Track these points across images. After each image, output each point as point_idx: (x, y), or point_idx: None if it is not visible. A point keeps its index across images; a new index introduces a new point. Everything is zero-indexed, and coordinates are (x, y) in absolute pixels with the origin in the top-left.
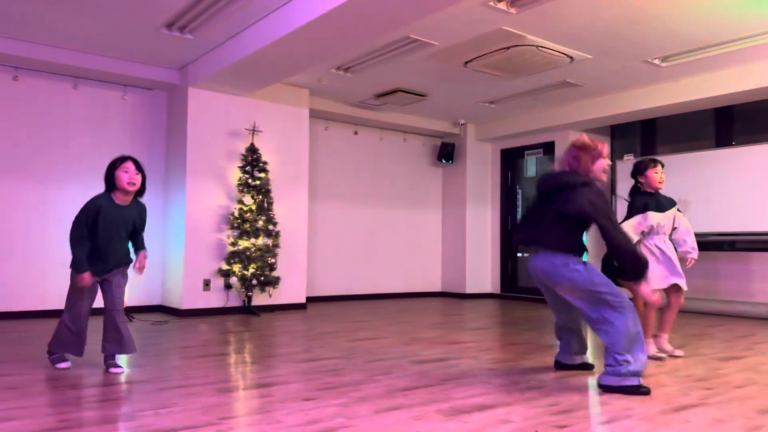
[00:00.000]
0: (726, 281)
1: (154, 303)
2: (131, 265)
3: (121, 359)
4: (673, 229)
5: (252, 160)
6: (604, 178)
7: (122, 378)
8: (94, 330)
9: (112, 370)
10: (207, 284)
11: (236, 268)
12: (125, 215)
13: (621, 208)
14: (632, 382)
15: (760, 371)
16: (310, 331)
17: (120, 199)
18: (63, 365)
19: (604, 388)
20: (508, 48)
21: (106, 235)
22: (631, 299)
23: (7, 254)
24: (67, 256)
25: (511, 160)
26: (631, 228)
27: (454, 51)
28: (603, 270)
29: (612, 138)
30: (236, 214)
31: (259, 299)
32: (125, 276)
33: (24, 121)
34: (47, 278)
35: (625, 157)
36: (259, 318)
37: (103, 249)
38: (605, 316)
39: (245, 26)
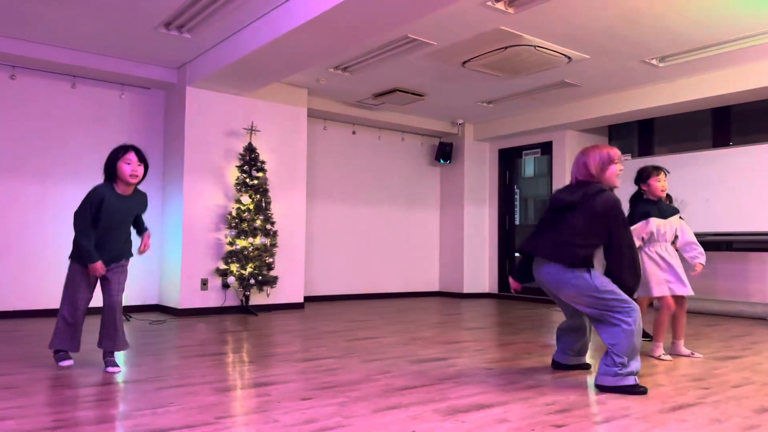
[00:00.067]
0: (723, 281)
1: (152, 302)
2: (138, 249)
3: (119, 358)
4: (676, 237)
5: (250, 160)
6: (618, 183)
7: (119, 377)
8: (92, 330)
9: (110, 369)
10: (205, 284)
11: (234, 267)
12: (127, 206)
13: None
14: (629, 381)
15: (757, 371)
16: (308, 331)
17: (122, 189)
18: (65, 363)
19: (602, 388)
20: (506, 48)
21: (108, 225)
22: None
23: (5, 253)
24: (65, 254)
25: (509, 160)
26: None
27: (452, 51)
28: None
29: (609, 138)
30: (234, 214)
31: (257, 299)
32: (125, 272)
33: (21, 120)
34: (45, 277)
35: (623, 158)
36: (257, 317)
37: (104, 240)
38: (611, 320)
39: (243, 25)
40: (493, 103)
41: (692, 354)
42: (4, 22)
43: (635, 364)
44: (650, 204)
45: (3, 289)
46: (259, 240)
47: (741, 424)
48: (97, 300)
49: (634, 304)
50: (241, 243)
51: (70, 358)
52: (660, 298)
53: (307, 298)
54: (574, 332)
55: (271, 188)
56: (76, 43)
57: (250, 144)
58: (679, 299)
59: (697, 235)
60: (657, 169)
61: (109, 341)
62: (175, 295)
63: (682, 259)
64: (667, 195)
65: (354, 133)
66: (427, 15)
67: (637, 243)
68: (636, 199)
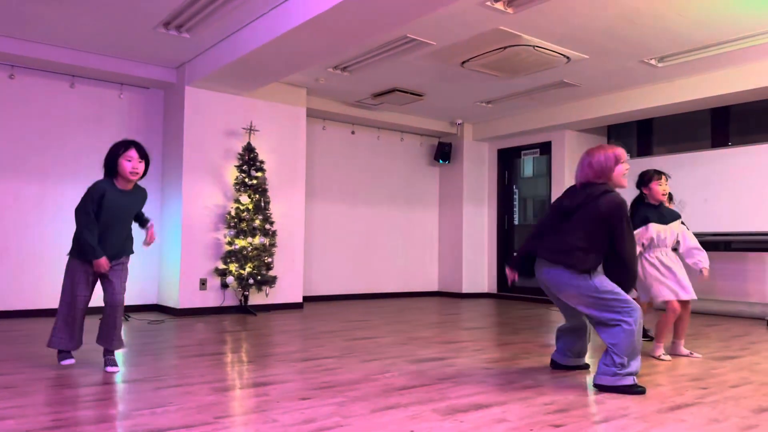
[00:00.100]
0: (722, 281)
1: (151, 302)
2: (143, 241)
3: (117, 358)
4: (678, 242)
5: (249, 159)
6: (626, 184)
7: (118, 377)
8: (92, 330)
9: (109, 368)
10: (203, 283)
11: (233, 267)
12: (128, 201)
13: None
14: (627, 381)
15: (755, 371)
16: (307, 331)
17: (122, 185)
18: (67, 362)
19: (600, 388)
20: (504, 48)
21: (109, 221)
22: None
23: (4, 253)
24: (64, 253)
25: (508, 159)
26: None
27: (451, 51)
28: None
29: (608, 138)
30: (233, 213)
31: (256, 299)
32: (126, 270)
33: (20, 119)
34: (44, 277)
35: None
36: (256, 317)
37: (105, 236)
38: (612, 321)
39: (242, 25)
40: (492, 103)
41: (691, 354)
42: (2, 22)
43: (635, 364)
44: (651, 208)
45: (2, 288)
46: (258, 240)
47: (739, 424)
48: (96, 300)
49: (635, 304)
50: (240, 243)
51: (71, 357)
52: (666, 302)
53: (306, 298)
54: (573, 334)
55: (270, 188)
56: (75, 42)
57: (249, 144)
58: (684, 302)
59: (696, 235)
60: (658, 173)
61: (106, 339)
62: (174, 295)
63: (685, 264)
64: (668, 194)
65: (353, 133)
66: (426, 15)
67: (638, 249)
68: (638, 203)
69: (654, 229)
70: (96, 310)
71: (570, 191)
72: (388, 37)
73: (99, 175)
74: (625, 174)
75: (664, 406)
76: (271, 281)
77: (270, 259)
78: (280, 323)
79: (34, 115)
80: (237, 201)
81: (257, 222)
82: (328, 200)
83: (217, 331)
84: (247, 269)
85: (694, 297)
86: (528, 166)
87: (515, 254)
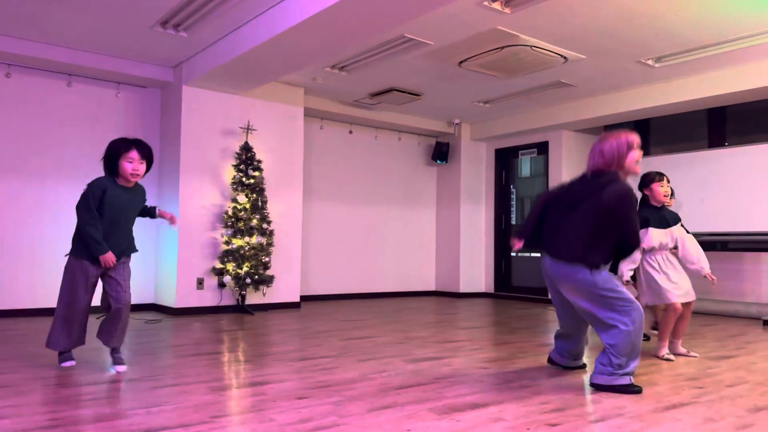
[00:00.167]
0: (718, 281)
1: (148, 301)
2: (168, 223)
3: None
4: (676, 246)
5: (246, 159)
6: (639, 170)
7: (114, 376)
8: (91, 330)
9: (117, 367)
10: (201, 283)
11: (230, 266)
12: (130, 197)
13: None
14: (624, 381)
15: (751, 370)
16: (304, 330)
17: (123, 182)
18: (67, 364)
19: (596, 387)
20: (502, 48)
21: (113, 217)
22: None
23: (0, 252)
24: (61, 252)
25: (505, 159)
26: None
27: (449, 50)
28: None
29: None
30: (230, 213)
31: (253, 298)
32: (128, 269)
33: (17, 118)
34: (41, 276)
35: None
36: (253, 317)
37: (110, 233)
38: (610, 320)
39: (240, 24)
40: (489, 103)
41: (688, 353)
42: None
43: (634, 365)
44: (652, 210)
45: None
46: (255, 239)
47: (735, 423)
48: (94, 300)
49: (636, 304)
50: (237, 242)
51: (72, 358)
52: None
53: (303, 298)
54: (570, 337)
55: (268, 187)
56: (72, 41)
57: (246, 143)
58: (686, 303)
59: (692, 235)
60: (660, 175)
61: (106, 336)
62: (171, 294)
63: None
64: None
65: (351, 132)
66: (424, 15)
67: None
68: (640, 205)
69: (653, 233)
70: (94, 310)
71: (580, 180)
72: (386, 37)
73: (95, 173)
74: (638, 161)
75: (660, 406)
76: (268, 281)
77: (267, 259)
78: (277, 323)
79: (31, 114)
80: (234, 200)
81: (254, 221)
82: (326, 200)
83: (214, 331)
84: (244, 269)
85: (693, 298)
86: (525, 166)
87: (524, 226)
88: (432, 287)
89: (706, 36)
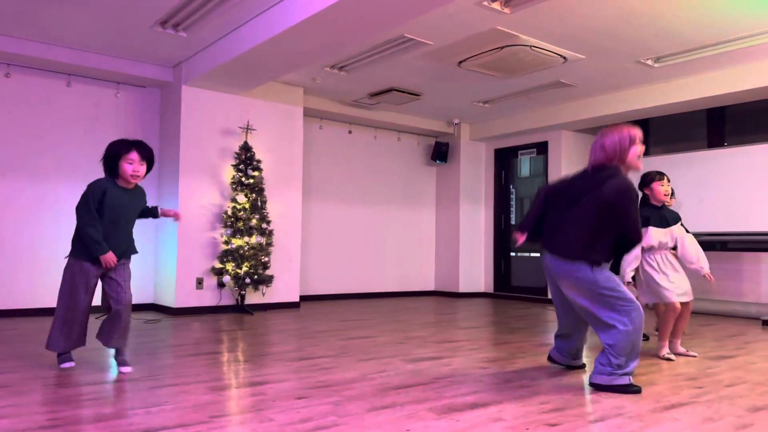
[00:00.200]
0: (717, 281)
1: (147, 301)
2: (173, 220)
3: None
4: (675, 246)
5: (246, 159)
6: (641, 166)
7: (114, 376)
8: (91, 331)
9: (122, 369)
10: (200, 283)
11: (229, 266)
12: (130, 199)
13: None
14: (623, 381)
15: (750, 370)
16: (303, 330)
17: (123, 183)
18: (66, 365)
19: (596, 387)
20: (501, 48)
21: (114, 218)
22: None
23: (0, 252)
24: (60, 252)
25: (504, 159)
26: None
27: (449, 50)
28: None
29: None
30: (230, 213)
31: (253, 298)
32: (129, 269)
33: (16, 118)
34: (40, 276)
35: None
36: (252, 317)
37: (110, 234)
38: (609, 320)
39: (239, 24)
40: (489, 103)
41: (687, 352)
42: None
43: (633, 365)
44: (652, 210)
45: None
46: (254, 239)
47: (734, 423)
48: (94, 299)
49: (636, 304)
50: (236, 242)
51: (71, 360)
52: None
53: (303, 297)
54: (570, 337)
55: (267, 187)
56: (71, 41)
57: (245, 143)
58: (685, 303)
59: (692, 235)
60: (660, 174)
61: (106, 336)
62: (171, 294)
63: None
64: (671, 191)
65: (350, 132)
66: (423, 14)
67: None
68: (640, 204)
69: (652, 233)
70: (94, 310)
71: (582, 174)
72: (386, 37)
73: (95, 174)
74: (640, 156)
75: (660, 406)
76: (267, 280)
77: (266, 259)
78: (277, 322)
79: (31, 114)
80: (234, 200)
81: (254, 221)
82: (325, 199)
83: (213, 331)
84: (244, 268)
85: (691, 298)
86: (525, 166)
87: (525, 219)
88: (431, 287)
89: (706, 36)
